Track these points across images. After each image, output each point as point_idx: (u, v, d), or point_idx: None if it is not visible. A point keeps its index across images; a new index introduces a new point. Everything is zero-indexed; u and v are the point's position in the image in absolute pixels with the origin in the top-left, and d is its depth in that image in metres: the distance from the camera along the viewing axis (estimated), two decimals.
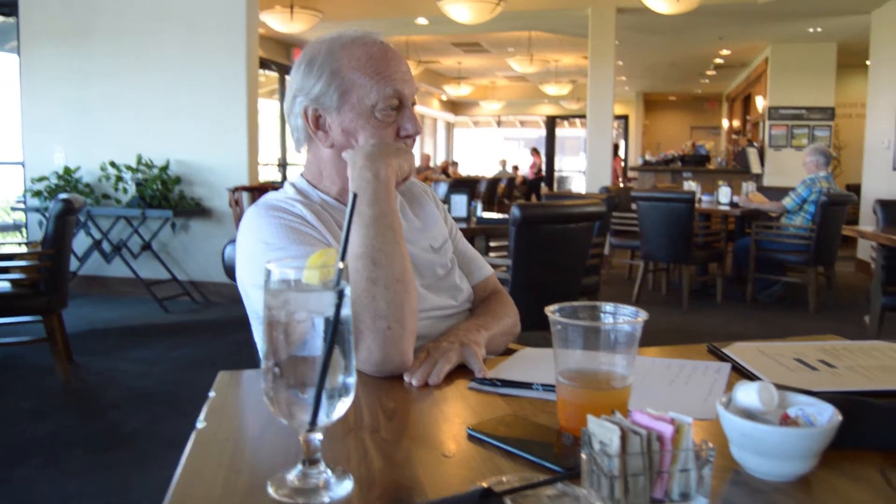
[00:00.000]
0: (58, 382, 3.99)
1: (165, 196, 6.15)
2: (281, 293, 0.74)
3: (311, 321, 0.72)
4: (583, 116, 12.39)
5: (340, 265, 0.74)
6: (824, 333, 1.48)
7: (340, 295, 0.72)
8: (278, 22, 8.45)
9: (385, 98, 1.32)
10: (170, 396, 3.82)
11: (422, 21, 10.23)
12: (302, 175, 1.47)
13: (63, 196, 3.97)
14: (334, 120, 1.35)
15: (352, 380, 0.75)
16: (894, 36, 8.05)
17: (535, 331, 1.69)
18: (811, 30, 10.24)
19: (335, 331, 0.72)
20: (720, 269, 6.73)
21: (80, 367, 4.31)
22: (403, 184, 1.36)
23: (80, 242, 6.33)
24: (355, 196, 0.84)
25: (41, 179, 6.32)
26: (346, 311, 0.73)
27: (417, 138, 1.40)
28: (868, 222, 7.45)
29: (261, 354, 0.79)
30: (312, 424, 0.72)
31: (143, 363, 4.44)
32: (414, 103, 1.39)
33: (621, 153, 16.65)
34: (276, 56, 11.79)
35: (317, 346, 0.72)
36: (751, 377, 1.15)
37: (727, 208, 6.88)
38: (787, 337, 1.45)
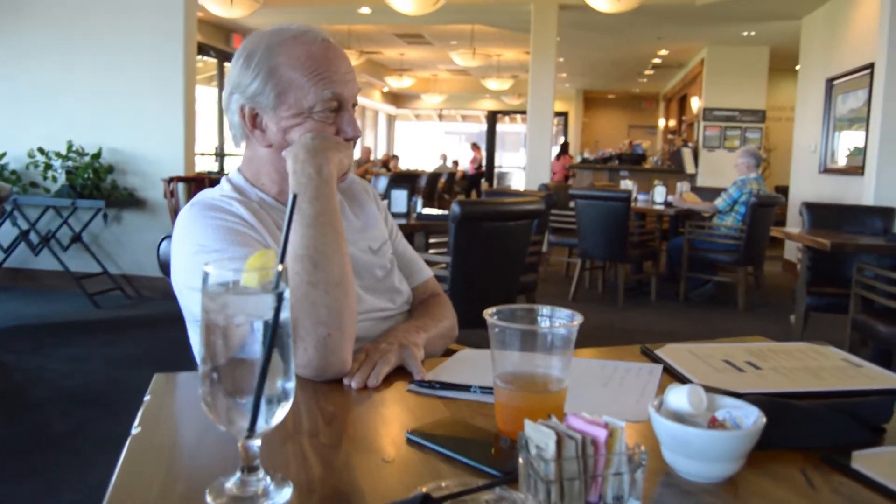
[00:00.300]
0: None
1: (97, 185, 5.94)
2: (219, 296, 0.72)
3: (250, 325, 0.72)
4: (524, 112, 12.47)
5: (280, 267, 0.74)
6: (753, 332, 1.54)
7: (280, 298, 0.72)
8: (218, 6, 8.25)
9: (323, 100, 1.30)
10: (101, 396, 3.70)
11: (365, 10, 10.15)
12: (239, 170, 1.43)
13: None
14: (271, 119, 1.32)
15: (291, 384, 0.74)
16: (823, 42, 8.33)
17: (473, 329, 1.70)
18: (745, 33, 10.51)
19: (274, 335, 0.71)
20: (654, 267, 6.88)
21: (5, 365, 4.15)
22: (343, 179, 1.35)
23: (6, 233, 6.04)
24: (295, 197, 0.84)
25: None
26: (285, 315, 0.72)
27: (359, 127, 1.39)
28: (795, 223, 7.69)
29: (197, 358, 0.77)
30: (251, 431, 0.71)
31: (73, 361, 4.29)
32: (355, 104, 1.38)
33: (571, 151, 16.86)
34: (215, 41, 11.54)
35: (255, 350, 0.71)
36: (681, 379, 1.19)
37: (662, 208, 7.03)
38: (717, 336, 1.50)
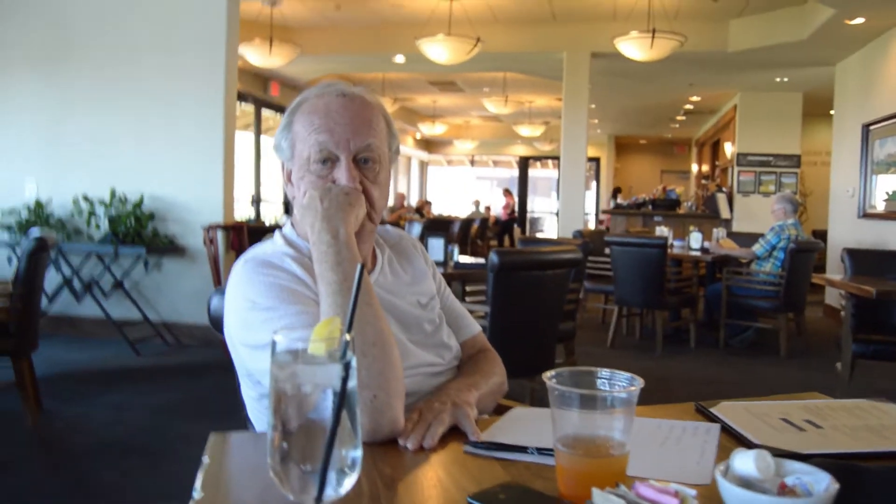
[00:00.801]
0: (26, 431, 3.84)
1: (139, 232, 6.01)
2: (288, 366, 0.73)
3: (320, 393, 0.72)
4: (556, 158, 12.52)
5: (347, 337, 0.74)
6: (796, 379, 1.51)
7: (347, 367, 0.72)
8: (257, 55, 8.45)
9: (315, 152, 1.30)
10: (142, 445, 3.69)
11: (399, 59, 10.32)
12: (293, 224, 1.45)
13: (36, 233, 3.89)
14: (294, 172, 1.36)
15: (358, 453, 0.74)
16: (857, 88, 8.30)
17: (513, 378, 1.68)
18: (778, 79, 10.51)
19: (342, 403, 0.71)
20: (693, 314, 6.79)
21: (49, 413, 4.15)
22: (362, 228, 1.32)
23: (50, 280, 6.05)
24: (362, 266, 0.83)
25: (11, 212, 6.18)
26: (352, 384, 0.72)
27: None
28: (835, 268, 7.58)
29: (265, 426, 0.76)
30: (319, 500, 0.71)
31: (115, 409, 4.30)
32: (367, 159, 1.34)
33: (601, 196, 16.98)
34: (253, 89, 11.77)
35: (325, 418, 0.71)
36: (739, 438, 1.16)
37: (698, 254, 6.97)
38: (760, 383, 1.49)
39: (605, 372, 0.95)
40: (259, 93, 12.00)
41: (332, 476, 0.70)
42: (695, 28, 8.53)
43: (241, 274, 1.31)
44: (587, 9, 8.78)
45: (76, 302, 6.21)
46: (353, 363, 0.73)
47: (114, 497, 3.10)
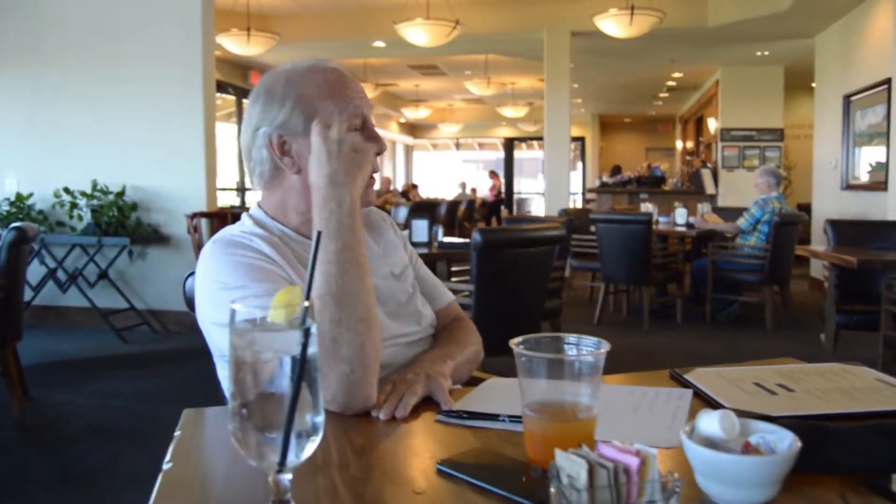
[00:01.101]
0: (13, 418, 3.88)
1: (122, 223, 6.02)
2: (246, 333, 0.73)
3: (278, 361, 0.72)
4: (540, 138, 12.51)
5: (306, 303, 0.74)
6: (782, 351, 1.52)
7: (307, 333, 0.72)
8: (235, 45, 8.42)
9: (349, 117, 1.33)
10: (129, 430, 3.73)
11: (379, 44, 10.28)
12: (259, 205, 1.44)
13: (16, 224, 3.87)
14: (301, 145, 1.33)
15: (320, 419, 0.74)
16: (837, 59, 8.31)
17: (498, 356, 1.69)
18: (759, 53, 10.51)
19: (302, 370, 0.71)
20: (679, 289, 6.83)
21: (36, 401, 4.19)
22: (370, 190, 1.37)
23: (34, 272, 6.13)
24: (319, 234, 0.84)
25: None
26: (312, 350, 0.73)
27: (378, 159, 1.40)
28: (819, 241, 7.63)
29: (227, 394, 0.78)
30: (282, 465, 0.71)
31: (102, 396, 4.33)
32: (373, 124, 1.40)
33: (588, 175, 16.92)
34: (233, 79, 11.73)
35: (284, 385, 0.71)
36: (712, 403, 1.17)
37: (684, 229, 7.00)
38: (747, 357, 1.48)
39: (572, 338, 0.96)
40: (240, 82, 11.95)
41: (292, 441, 0.71)
42: (674, 4, 8.51)
43: (210, 255, 1.31)
44: None
45: (61, 293, 6.21)
46: (313, 329, 0.73)
47: (101, 479, 3.13)
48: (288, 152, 1.35)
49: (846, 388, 1.23)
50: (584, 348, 0.94)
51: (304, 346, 0.71)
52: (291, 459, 0.72)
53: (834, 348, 4.48)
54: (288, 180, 1.38)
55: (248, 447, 0.72)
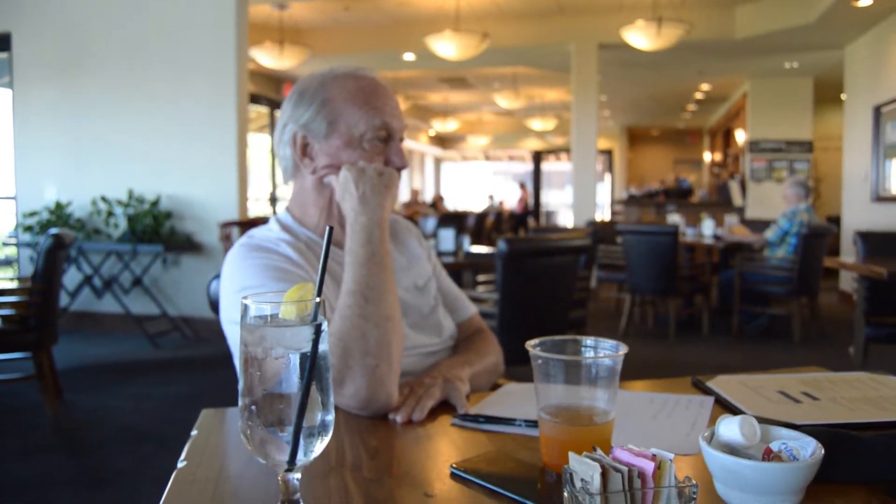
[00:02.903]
0: (47, 420, 3.94)
1: (156, 231, 6.14)
2: (257, 329, 0.72)
3: (288, 357, 0.71)
4: (568, 150, 12.48)
5: (317, 299, 0.74)
6: (810, 364, 1.48)
7: (318, 330, 0.71)
8: (268, 57, 8.53)
9: (374, 128, 1.33)
10: (158, 434, 3.77)
11: (409, 57, 10.33)
12: (288, 210, 1.47)
13: (53, 231, 3.94)
14: (322, 147, 1.36)
15: (330, 417, 0.74)
16: (867, 70, 8.20)
17: (522, 365, 1.68)
18: (788, 65, 10.41)
19: (313, 366, 0.70)
20: (706, 301, 6.75)
21: (69, 404, 4.26)
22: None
23: (71, 278, 6.32)
24: (331, 229, 0.84)
25: (33, 214, 6.34)
26: (323, 347, 0.72)
27: (405, 173, 1.40)
28: (849, 253, 7.51)
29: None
30: (291, 464, 0.71)
31: (133, 400, 4.39)
32: (402, 139, 1.40)
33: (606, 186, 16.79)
34: (266, 91, 11.86)
35: (294, 382, 0.71)
36: (734, 410, 1.15)
37: (711, 241, 6.93)
38: (773, 369, 1.45)
39: (589, 340, 0.94)
40: (272, 94, 12.07)
41: (301, 440, 0.70)
42: (701, 15, 8.47)
43: (235, 258, 1.34)
44: (593, 0, 8.73)
45: (97, 299, 6.35)
46: (325, 326, 0.72)
47: (127, 482, 3.15)
48: (308, 153, 1.38)
49: (873, 397, 1.20)
50: (602, 351, 0.92)
51: (316, 342, 0.71)
52: (300, 458, 0.71)
53: (864, 361, 4.39)
54: (305, 178, 1.41)
55: (255, 445, 0.72)
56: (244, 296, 0.74)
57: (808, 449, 0.81)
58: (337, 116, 1.34)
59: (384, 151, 1.36)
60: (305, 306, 0.73)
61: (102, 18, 6.42)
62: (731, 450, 0.82)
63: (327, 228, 0.83)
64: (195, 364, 5.40)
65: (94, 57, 6.44)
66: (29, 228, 6.29)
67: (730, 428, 0.84)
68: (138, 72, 6.33)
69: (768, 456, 0.82)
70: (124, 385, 4.74)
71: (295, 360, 0.71)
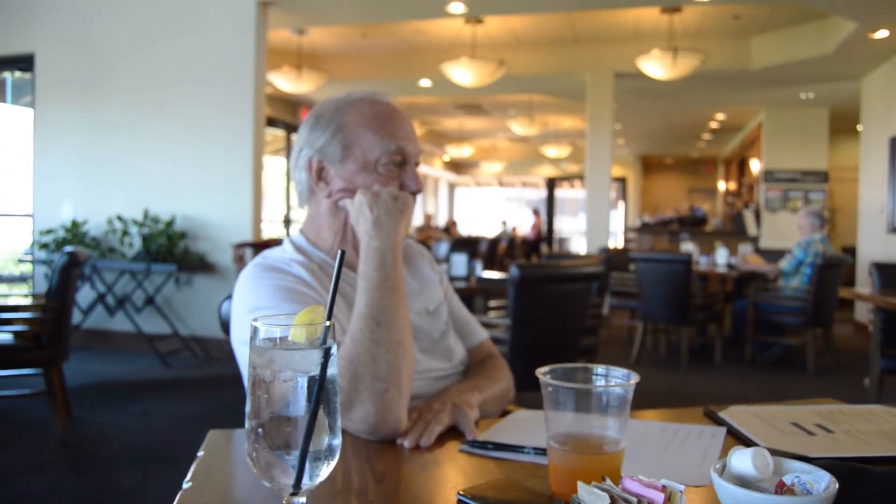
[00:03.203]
0: (55, 436, 3.95)
1: (170, 251, 6.19)
2: (266, 351, 0.72)
3: (296, 380, 0.71)
4: (582, 177, 12.50)
5: (327, 322, 0.73)
6: (824, 395, 1.46)
7: (327, 353, 0.71)
8: (286, 82, 8.62)
9: (389, 153, 1.34)
10: (165, 453, 3.76)
11: (425, 83, 10.42)
12: (301, 231, 1.47)
13: (68, 249, 3.97)
14: (337, 171, 1.36)
15: (337, 441, 0.73)
16: (884, 101, 8.19)
17: (533, 391, 1.67)
18: (803, 96, 10.41)
19: (321, 390, 0.70)
20: (719, 330, 6.70)
21: (78, 420, 4.26)
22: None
23: (85, 296, 6.37)
24: (342, 253, 0.84)
25: (49, 232, 6.40)
26: (332, 371, 0.72)
27: (419, 197, 1.41)
28: (864, 284, 7.45)
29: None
30: (296, 488, 0.70)
31: (141, 418, 4.39)
32: (417, 164, 1.41)
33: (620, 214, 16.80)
34: (283, 115, 11.98)
35: (301, 406, 0.70)
36: (747, 442, 1.14)
37: (724, 270, 6.89)
38: (786, 399, 1.43)
39: (600, 368, 0.94)
40: (289, 118, 12.18)
41: (307, 464, 0.69)
42: (717, 45, 8.50)
43: (248, 278, 1.35)
44: (609, 29, 8.78)
45: (110, 317, 6.39)
46: (334, 350, 0.72)
47: (134, 500, 3.15)
48: (323, 178, 1.38)
49: (888, 430, 1.19)
50: (613, 379, 0.92)
51: (324, 366, 0.70)
52: (306, 482, 0.70)
53: (879, 394, 4.34)
54: (321, 202, 1.41)
55: (261, 468, 0.71)
56: (254, 318, 0.74)
57: (822, 483, 0.80)
58: (352, 141, 1.35)
59: (399, 176, 1.37)
60: (315, 329, 0.73)
61: (124, 41, 6.52)
62: (743, 482, 0.81)
63: (339, 252, 0.83)
64: (205, 384, 5.40)
65: (114, 78, 6.53)
66: (45, 246, 6.35)
67: (742, 460, 0.83)
68: (157, 94, 6.41)
69: (781, 489, 0.80)
70: (134, 403, 4.75)
71: (303, 383, 0.70)
